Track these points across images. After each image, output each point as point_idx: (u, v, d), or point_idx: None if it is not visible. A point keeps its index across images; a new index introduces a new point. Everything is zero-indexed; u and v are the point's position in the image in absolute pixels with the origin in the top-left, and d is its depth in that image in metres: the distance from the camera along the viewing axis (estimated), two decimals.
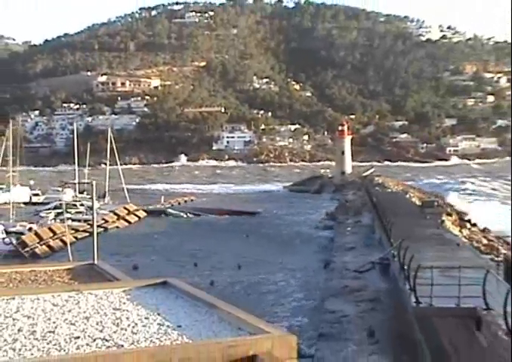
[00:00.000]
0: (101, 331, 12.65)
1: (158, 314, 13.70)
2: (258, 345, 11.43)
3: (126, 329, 12.73)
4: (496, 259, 32.24)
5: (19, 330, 12.68)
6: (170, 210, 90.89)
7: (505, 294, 18.45)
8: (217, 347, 11.41)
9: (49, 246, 62.63)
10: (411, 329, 23.99)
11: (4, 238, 62.46)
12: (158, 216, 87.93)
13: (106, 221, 77.65)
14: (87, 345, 11.81)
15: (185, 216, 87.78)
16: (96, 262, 21.92)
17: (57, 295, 15.79)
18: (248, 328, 12.36)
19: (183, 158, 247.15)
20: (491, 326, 18.89)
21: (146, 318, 13.50)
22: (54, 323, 13.22)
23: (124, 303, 14.88)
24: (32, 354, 11.31)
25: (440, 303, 21.76)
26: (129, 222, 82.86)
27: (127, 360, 10.82)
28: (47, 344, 11.85)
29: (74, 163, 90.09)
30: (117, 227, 79.64)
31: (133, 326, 12.92)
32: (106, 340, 12.09)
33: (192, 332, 12.41)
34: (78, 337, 12.21)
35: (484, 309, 20.04)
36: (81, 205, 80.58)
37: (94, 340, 12.06)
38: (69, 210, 79.07)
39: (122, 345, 11.75)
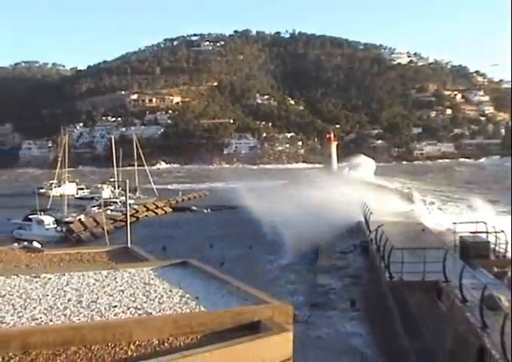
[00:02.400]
0: (134, 301, 12.69)
1: (180, 288, 13.72)
2: (261, 312, 11.46)
3: (154, 300, 12.77)
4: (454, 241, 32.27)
5: (68, 300, 12.74)
6: (193, 207, 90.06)
7: (460, 270, 18.45)
8: (228, 314, 11.45)
9: (92, 233, 62.78)
10: (386, 299, 24.01)
11: (56, 227, 62.63)
12: (183, 211, 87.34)
13: (137, 211, 77.50)
14: (123, 312, 11.87)
15: (205, 211, 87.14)
16: (129, 245, 21.96)
17: (98, 272, 15.82)
18: (253, 299, 12.39)
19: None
20: (449, 295, 18.86)
21: (170, 291, 13.53)
22: (96, 294, 13.27)
23: (152, 279, 14.91)
24: (79, 320, 11.37)
25: (409, 278, 21.74)
26: (156, 214, 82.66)
27: (154, 325, 10.87)
28: (91, 311, 11.91)
29: (112, 165, 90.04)
30: (146, 216, 79.59)
31: (159, 298, 12.95)
32: (138, 309, 12.14)
33: (207, 302, 12.44)
34: (116, 306, 12.25)
35: (444, 282, 20.01)
36: (120, 201, 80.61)
37: (128, 308, 12.10)
38: (109, 205, 79.45)
39: (151, 313, 11.80)
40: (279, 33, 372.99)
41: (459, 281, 18.03)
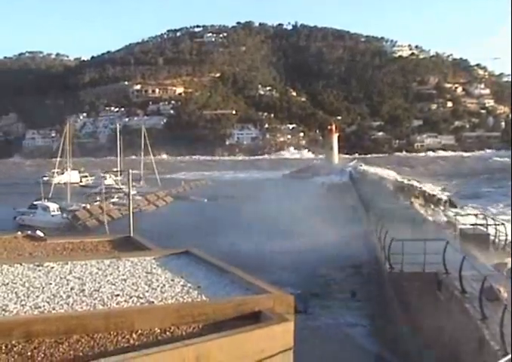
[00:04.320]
0: (136, 290, 12.68)
1: (182, 277, 13.71)
2: (262, 302, 11.45)
3: (156, 289, 12.76)
4: (454, 233, 32.24)
5: (71, 289, 12.73)
6: (192, 197, 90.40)
7: (460, 261, 18.43)
8: (229, 304, 11.44)
9: (98, 220, 62.73)
10: (386, 289, 23.99)
11: (61, 213, 62.69)
12: (183, 200, 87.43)
13: (139, 205, 76.94)
14: (125, 301, 11.85)
15: (205, 200, 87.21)
16: (132, 234, 21.94)
17: (100, 261, 15.82)
18: (254, 289, 12.38)
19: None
20: (449, 286, 18.83)
21: (172, 280, 13.52)
22: (99, 283, 13.26)
23: (154, 268, 14.89)
24: (81, 308, 11.36)
25: (409, 269, 21.71)
26: (157, 206, 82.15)
27: (156, 314, 10.85)
28: (94, 300, 11.90)
29: (116, 154, 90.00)
30: (154, 206, 79.74)
31: (161, 287, 12.94)
32: (140, 298, 12.13)
33: (209, 291, 12.43)
34: (118, 295, 12.24)
35: (443, 273, 19.97)
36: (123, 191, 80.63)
37: (131, 297, 12.09)
38: (114, 193, 79.60)
39: (153, 302, 11.78)
40: (281, 25, 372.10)
41: (459, 273, 18.01)
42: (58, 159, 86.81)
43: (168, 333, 10.62)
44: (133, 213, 26.12)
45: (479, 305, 15.06)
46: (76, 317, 10.71)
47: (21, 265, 15.69)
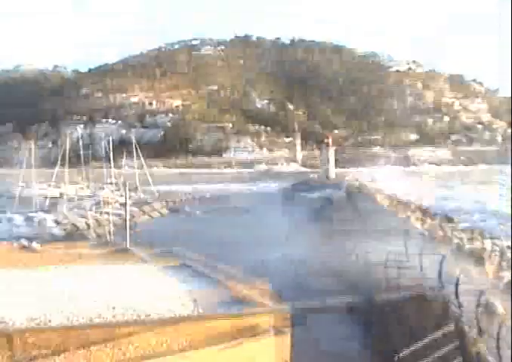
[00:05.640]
0: (133, 302, 12.69)
1: (178, 290, 13.73)
2: (259, 317, 11.44)
3: (153, 302, 12.77)
4: (450, 247, 32.28)
5: (68, 300, 12.77)
6: (186, 209, 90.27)
7: (457, 275, 18.49)
8: (226, 318, 11.43)
9: (96, 233, 62.56)
10: (381, 303, 23.94)
11: (57, 226, 62.48)
12: (178, 213, 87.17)
13: (134, 216, 76.40)
14: (122, 314, 11.85)
15: (198, 212, 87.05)
16: (128, 246, 21.95)
17: (96, 272, 15.87)
18: (251, 303, 12.37)
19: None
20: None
21: (168, 293, 13.53)
22: (95, 295, 13.29)
23: (150, 280, 14.91)
24: (77, 320, 11.37)
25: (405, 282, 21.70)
26: (152, 217, 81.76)
27: (153, 326, 10.84)
28: (90, 312, 11.91)
29: (110, 166, 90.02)
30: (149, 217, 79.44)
31: (158, 299, 12.96)
32: (136, 310, 12.13)
33: (205, 305, 12.43)
34: (114, 307, 12.25)
35: (440, 287, 20.00)
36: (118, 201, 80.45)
37: (127, 310, 12.10)
38: (110, 205, 79.39)
39: (149, 314, 11.78)
40: (279, 39, 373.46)
41: (455, 287, 18.05)
42: (56, 169, 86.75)
43: (164, 345, 10.62)
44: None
45: (476, 319, 15.08)
46: (72, 330, 10.69)
47: (16, 274, 15.71)
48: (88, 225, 63.92)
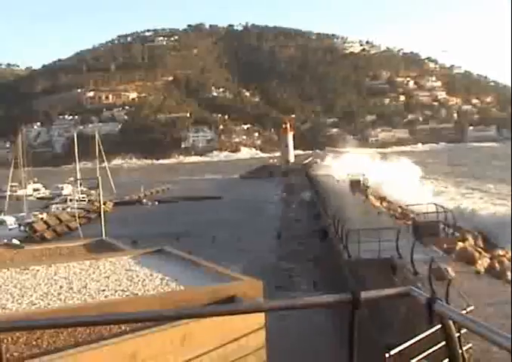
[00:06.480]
0: (119, 285, 13.93)
1: (159, 272, 15.01)
2: (234, 288, 12.82)
3: (137, 283, 14.04)
4: (407, 222, 34.03)
5: (60, 287, 13.93)
6: (144, 200, 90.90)
7: (411, 246, 20.09)
8: (205, 291, 12.80)
9: (55, 231, 62.94)
10: (345, 276, 25.50)
11: (19, 227, 62.59)
12: (134, 205, 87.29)
13: (89, 211, 75.29)
14: (112, 295, 13.13)
15: (156, 203, 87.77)
16: (104, 237, 23.03)
17: (81, 262, 17.00)
18: (226, 278, 13.78)
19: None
20: (402, 269, 20.45)
21: (151, 275, 14.81)
22: (84, 281, 14.48)
23: (132, 265, 16.11)
24: (74, 302, 12.64)
25: (366, 256, 23.23)
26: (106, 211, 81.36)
27: (142, 303, 12.19)
28: (83, 295, 13.14)
29: (70, 163, 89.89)
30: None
31: (142, 281, 14.22)
32: (124, 291, 13.40)
33: (186, 282, 13.77)
34: (104, 290, 13.50)
35: (397, 258, 21.59)
36: (80, 198, 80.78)
37: (116, 291, 13.35)
38: (73, 202, 79.36)
39: (137, 294, 13.11)
40: (232, 26, 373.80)
41: (410, 257, 19.68)
42: (11, 170, 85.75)
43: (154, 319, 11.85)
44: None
45: (429, 283, 16.69)
46: (71, 310, 11.90)
47: (8, 269, 16.75)
48: (49, 225, 64.24)
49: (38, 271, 16.37)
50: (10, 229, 61.35)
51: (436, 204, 32.45)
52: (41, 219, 66.73)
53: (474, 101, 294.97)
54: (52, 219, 66.93)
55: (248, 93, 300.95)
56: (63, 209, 72.30)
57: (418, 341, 11.13)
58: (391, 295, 3.11)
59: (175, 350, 10.93)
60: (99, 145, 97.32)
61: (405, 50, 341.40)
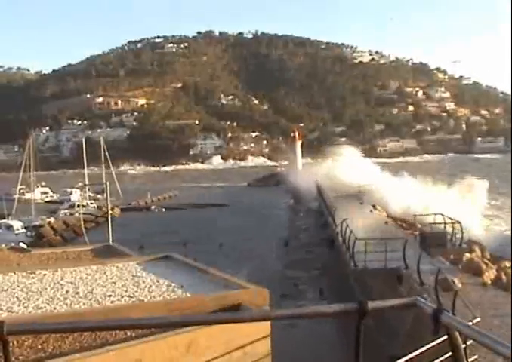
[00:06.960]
0: (125, 291, 13.96)
1: (166, 279, 15.02)
2: (241, 296, 12.82)
3: (144, 289, 14.06)
4: (414, 233, 33.89)
5: (66, 291, 13.96)
6: (152, 207, 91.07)
7: (418, 257, 20.01)
8: (210, 298, 12.80)
9: (62, 237, 62.98)
10: (351, 286, 25.46)
11: (26, 231, 62.62)
12: (142, 211, 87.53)
13: (97, 217, 75.76)
14: (118, 300, 13.15)
15: (163, 210, 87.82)
16: (111, 243, 23.07)
17: (88, 267, 17.02)
18: (233, 285, 13.77)
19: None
20: (409, 280, 20.39)
21: (157, 281, 14.82)
22: (91, 286, 14.51)
23: (139, 271, 16.14)
24: (79, 307, 12.65)
25: (372, 266, 23.13)
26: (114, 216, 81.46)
27: (148, 309, 12.20)
28: (89, 300, 13.17)
29: (79, 167, 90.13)
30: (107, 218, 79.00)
31: (148, 287, 14.24)
32: (131, 297, 13.42)
33: (192, 289, 13.77)
34: (110, 295, 13.52)
35: (404, 268, 21.52)
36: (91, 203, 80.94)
37: (122, 297, 13.37)
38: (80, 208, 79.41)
39: (143, 300, 13.12)
40: (241, 34, 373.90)
41: (417, 267, 19.61)
42: (21, 173, 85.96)
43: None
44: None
45: (435, 294, 16.63)
46: (77, 315, 11.91)
47: (15, 273, 16.78)
48: (56, 230, 64.27)
49: (44, 275, 16.41)
50: (16, 234, 61.44)
51: (443, 215, 32.32)
52: (49, 223, 66.79)
53: (483, 112, 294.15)
54: (59, 224, 67.01)
55: (256, 101, 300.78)
56: (71, 214, 72.42)
57: (423, 352, 11.07)
58: (398, 305, 3.12)
59: (180, 357, 10.93)
60: (105, 151, 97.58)
61: (415, 60, 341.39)
